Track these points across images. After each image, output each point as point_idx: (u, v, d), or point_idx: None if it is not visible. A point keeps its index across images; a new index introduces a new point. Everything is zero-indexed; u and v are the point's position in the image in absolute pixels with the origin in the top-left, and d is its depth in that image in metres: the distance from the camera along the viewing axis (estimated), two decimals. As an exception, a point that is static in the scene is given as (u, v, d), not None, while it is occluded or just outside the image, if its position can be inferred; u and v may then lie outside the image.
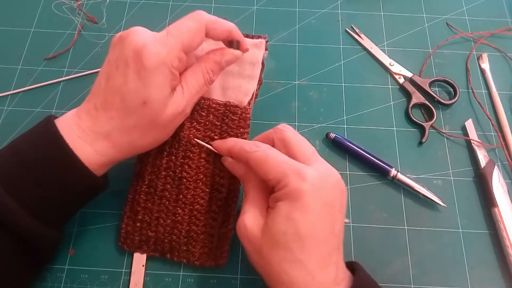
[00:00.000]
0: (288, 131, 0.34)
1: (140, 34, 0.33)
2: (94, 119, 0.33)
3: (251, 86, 0.40)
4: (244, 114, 0.39)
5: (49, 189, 0.32)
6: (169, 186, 0.39)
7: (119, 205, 0.41)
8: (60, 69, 0.49)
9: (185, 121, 0.39)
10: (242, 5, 0.54)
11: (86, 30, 0.51)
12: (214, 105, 0.39)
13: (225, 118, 0.39)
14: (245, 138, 0.40)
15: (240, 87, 0.40)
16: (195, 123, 0.39)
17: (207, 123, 0.39)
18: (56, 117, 0.34)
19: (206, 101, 0.39)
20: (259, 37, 0.41)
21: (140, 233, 0.39)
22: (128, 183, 0.41)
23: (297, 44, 0.51)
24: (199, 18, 0.34)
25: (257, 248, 0.31)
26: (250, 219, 0.32)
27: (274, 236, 0.30)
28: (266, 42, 0.41)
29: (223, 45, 0.38)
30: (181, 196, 0.38)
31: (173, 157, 0.39)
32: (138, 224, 0.39)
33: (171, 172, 0.39)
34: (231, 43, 0.37)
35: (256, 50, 0.40)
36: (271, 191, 0.33)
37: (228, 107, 0.39)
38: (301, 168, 0.30)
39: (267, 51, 0.41)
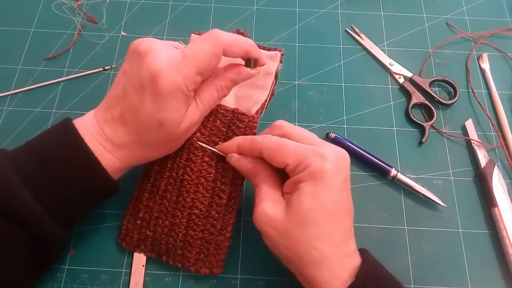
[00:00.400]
0: (286, 125, 0.36)
1: (157, 57, 0.32)
2: (113, 130, 0.34)
3: (263, 96, 0.40)
4: (251, 123, 0.39)
5: (68, 188, 0.33)
6: (170, 187, 0.39)
7: (120, 205, 0.41)
8: (60, 69, 0.49)
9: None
10: (242, 5, 0.54)
11: (86, 30, 0.51)
12: (222, 110, 0.39)
13: (231, 125, 0.39)
14: None
15: (252, 97, 0.40)
16: (201, 127, 0.39)
17: (213, 128, 0.39)
18: (72, 119, 0.35)
19: (216, 108, 0.39)
20: (275, 49, 0.41)
21: (139, 231, 0.39)
22: (130, 184, 0.41)
23: (297, 44, 0.51)
24: (217, 41, 0.33)
25: (282, 232, 0.32)
26: (269, 206, 0.33)
27: (302, 214, 0.31)
28: (282, 55, 0.41)
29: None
30: (181, 199, 0.38)
31: (178, 158, 0.39)
32: (138, 222, 0.39)
33: (174, 173, 0.39)
34: (249, 62, 0.37)
35: (270, 62, 0.41)
36: (282, 179, 0.35)
37: (236, 114, 0.39)
38: (319, 149, 0.32)
39: (281, 64, 0.41)
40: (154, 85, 0.32)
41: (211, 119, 0.39)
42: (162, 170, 0.39)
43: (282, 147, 0.33)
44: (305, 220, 0.31)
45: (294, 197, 0.32)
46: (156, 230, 0.38)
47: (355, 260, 0.32)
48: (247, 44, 0.35)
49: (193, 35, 0.41)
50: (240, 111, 0.39)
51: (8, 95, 0.47)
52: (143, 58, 0.32)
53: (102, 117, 0.34)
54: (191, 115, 0.35)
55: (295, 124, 0.45)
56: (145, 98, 0.32)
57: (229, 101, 0.40)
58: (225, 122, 0.39)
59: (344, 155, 0.33)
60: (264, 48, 0.41)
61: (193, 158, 0.38)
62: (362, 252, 0.34)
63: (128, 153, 0.35)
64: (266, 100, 0.40)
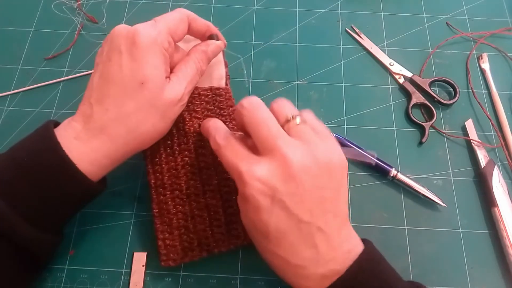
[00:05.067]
0: (245, 113, 0.32)
1: (127, 25, 0.35)
2: (88, 117, 0.33)
3: (221, 70, 0.43)
4: (228, 94, 0.42)
5: (45, 195, 0.32)
6: (192, 182, 0.38)
7: (119, 205, 0.41)
8: (60, 69, 0.49)
9: (185, 116, 0.39)
10: (242, 5, 0.54)
11: (86, 30, 0.51)
12: (202, 92, 0.41)
13: (215, 101, 0.41)
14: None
15: (211, 75, 0.42)
16: (193, 113, 0.40)
17: (204, 110, 0.40)
18: (57, 122, 0.35)
19: (195, 90, 0.41)
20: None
21: (180, 240, 0.37)
22: (128, 183, 0.41)
23: (297, 44, 0.51)
24: (182, 11, 0.38)
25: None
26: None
27: (245, 227, 0.33)
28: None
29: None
30: (207, 186, 0.38)
31: (187, 152, 0.39)
32: (176, 232, 0.38)
33: (189, 167, 0.38)
34: (211, 37, 0.40)
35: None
36: None
37: (213, 91, 0.41)
38: (246, 171, 0.30)
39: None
40: (131, 42, 0.33)
41: (198, 102, 0.40)
42: (175, 171, 0.38)
43: (223, 159, 0.32)
44: (248, 232, 0.33)
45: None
46: (198, 228, 0.37)
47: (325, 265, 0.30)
48: (205, 21, 0.39)
49: None
50: (215, 87, 0.42)
51: (8, 95, 0.47)
52: (113, 34, 0.35)
53: (78, 112, 0.34)
54: (174, 87, 0.35)
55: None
56: (122, 61, 0.33)
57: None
58: (209, 101, 0.41)
59: (285, 169, 0.29)
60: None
61: (202, 143, 0.39)
62: (365, 243, 0.32)
63: (107, 137, 0.33)
64: (226, 72, 0.43)
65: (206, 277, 0.39)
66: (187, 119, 0.39)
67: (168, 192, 0.38)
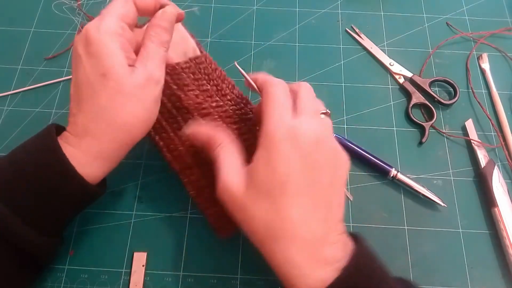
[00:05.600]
0: (302, 90, 0.36)
1: (78, 33, 0.35)
2: (73, 124, 0.34)
3: (190, 43, 0.42)
4: (208, 59, 0.41)
5: (44, 197, 0.32)
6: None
7: (119, 205, 0.41)
8: (60, 69, 0.49)
9: (179, 93, 0.39)
10: (242, 5, 0.54)
11: (86, 30, 0.52)
12: (184, 66, 0.40)
13: (199, 69, 0.41)
14: (224, 75, 0.41)
15: (183, 51, 0.42)
16: (185, 88, 0.39)
17: (193, 81, 0.40)
18: (59, 126, 0.35)
19: (177, 67, 0.40)
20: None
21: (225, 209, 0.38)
22: (128, 183, 0.41)
23: (297, 44, 0.51)
24: None
25: (241, 207, 0.31)
26: (229, 175, 0.32)
27: (256, 187, 0.30)
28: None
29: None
30: None
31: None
32: (219, 203, 0.36)
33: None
34: (162, 8, 0.38)
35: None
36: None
37: (193, 61, 0.41)
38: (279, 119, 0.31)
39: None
40: (85, 42, 0.33)
41: (185, 76, 0.40)
42: (194, 150, 0.38)
43: (265, 100, 0.33)
44: (258, 192, 0.30)
45: (251, 166, 0.31)
46: None
47: (328, 247, 0.29)
48: None
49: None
50: (193, 57, 0.41)
51: (8, 95, 0.47)
52: (73, 43, 0.35)
53: (68, 121, 0.34)
54: (139, 71, 0.34)
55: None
56: (83, 62, 0.33)
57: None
58: (194, 71, 0.40)
59: (318, 139, 0.31)
60: None
61: (206, 111, 0.39)
62: (357, 238, 0.31)
63: (91, 138, 0.33)
64: (196, 42, 0.42)
65: (206, 277, 0.39)
66: (182, 96, 0.39)
67: (196, 170, 0.38)
